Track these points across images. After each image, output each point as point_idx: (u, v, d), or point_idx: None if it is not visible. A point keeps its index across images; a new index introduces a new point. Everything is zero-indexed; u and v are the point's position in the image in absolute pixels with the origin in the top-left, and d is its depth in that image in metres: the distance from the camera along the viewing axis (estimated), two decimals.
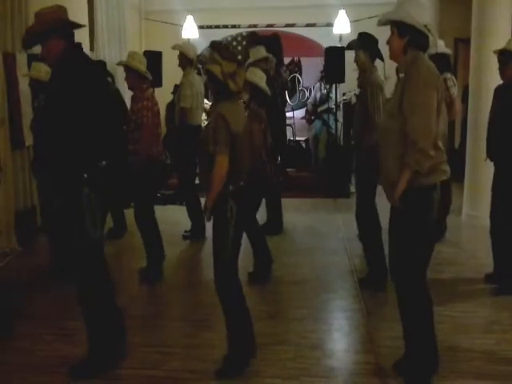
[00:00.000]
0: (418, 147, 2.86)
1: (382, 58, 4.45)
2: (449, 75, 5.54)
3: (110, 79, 6.37)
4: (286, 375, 3.32)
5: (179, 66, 6.02)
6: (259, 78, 4.80)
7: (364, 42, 4.46)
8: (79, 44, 3.31)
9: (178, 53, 6.00)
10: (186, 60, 5.95)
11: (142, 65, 4.76)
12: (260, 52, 5.88)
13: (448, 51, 5.77)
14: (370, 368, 3.37)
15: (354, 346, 3.66)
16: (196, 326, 3.95)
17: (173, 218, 6.35)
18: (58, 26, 3.13)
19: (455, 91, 5.58)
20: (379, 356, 3.48)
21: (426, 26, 2.95)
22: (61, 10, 3.22)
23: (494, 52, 4.63)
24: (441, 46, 5.78)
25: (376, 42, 4.42)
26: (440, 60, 5.58)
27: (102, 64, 6.53)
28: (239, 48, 10.36)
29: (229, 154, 3.16)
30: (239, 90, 3.23)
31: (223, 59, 3.17)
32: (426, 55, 3.02)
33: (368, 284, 4.55)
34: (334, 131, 8.62)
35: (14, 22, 5.70)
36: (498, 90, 4.64)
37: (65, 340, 3.75)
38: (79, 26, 3.27)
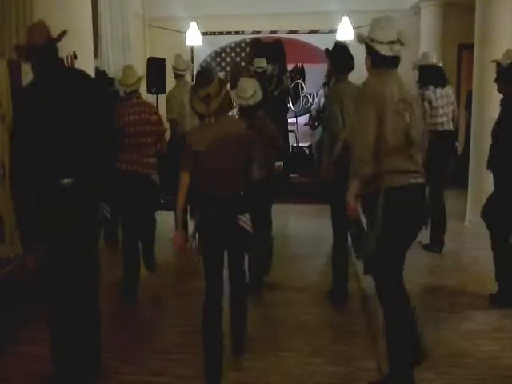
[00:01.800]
0: (355, 156, 3.03)
1: (343, 73, 4.42)
2: (431, 87, 5.67)
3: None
4: (289, 381, 3.32)
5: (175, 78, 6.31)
6: (242, 90, 4.64)
7: (332, 53, 4.52)
8: (57, 60, 3.25)
9: (171, 66, 6.30)
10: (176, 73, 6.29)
11: (129, 79, 4.89)
12: (259, 62, 6.77)
13: (436, 63, 5.84)
14: (373, 375, 3.36)
15: (356, 353, 3.65)
16: (200, 332, 3.94)
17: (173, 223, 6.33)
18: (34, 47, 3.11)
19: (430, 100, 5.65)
20: (382, 363, 3.48)
21: (392, 41, 3.06)
22: (40, 32, 3.17)
23: (493, 61, 4.65)
24: (428, 57, 5.86)
25: (344, 55, 4.44)
26: (426, 72, 5.74)
27: (101, 76, 6.67)
28: (243, 54, 10.40)
29: (193, 170, 3.36)
30: (209, 112, 3.37)
31: (197, 85, 3.44)
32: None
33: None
34: None
35: (19, 30, 5.75)
36: (501, 102, 4.67)
37: None
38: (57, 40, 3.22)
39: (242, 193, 3.43)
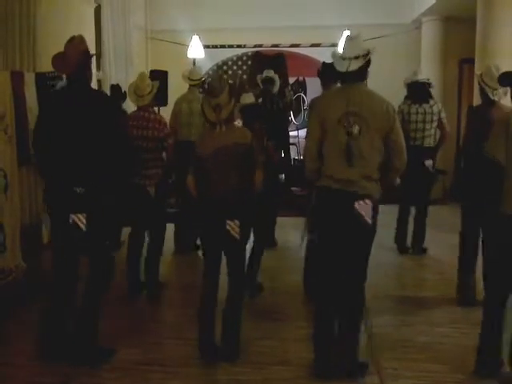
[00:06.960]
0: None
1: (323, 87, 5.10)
2: (408, 102, 5.99)
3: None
4: None
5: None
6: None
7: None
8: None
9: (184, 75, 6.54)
10: None
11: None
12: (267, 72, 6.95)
13: (419, 79, 6.02)
14: None
15: None
16: (196, 345, 3.93)
17: (171, 235, 6.31)
18: None
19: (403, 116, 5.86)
20: (383, 378, 3.45)
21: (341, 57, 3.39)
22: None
23: None
24: (415, 74, 6.09)
25: (323, 72, 5.04)
26: (409, 88, 6.08)
27: (115, 90, 6.80)
28: (244, 67, 10.45)
29: (198, 174, 3.67)
30: (219, 121, 3.59)
31: (207, 94, 3.70)
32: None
33: None
34: None
35: (22, 41, 5.79)
36: None
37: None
38: None
39: (239, 199, 3.57)
